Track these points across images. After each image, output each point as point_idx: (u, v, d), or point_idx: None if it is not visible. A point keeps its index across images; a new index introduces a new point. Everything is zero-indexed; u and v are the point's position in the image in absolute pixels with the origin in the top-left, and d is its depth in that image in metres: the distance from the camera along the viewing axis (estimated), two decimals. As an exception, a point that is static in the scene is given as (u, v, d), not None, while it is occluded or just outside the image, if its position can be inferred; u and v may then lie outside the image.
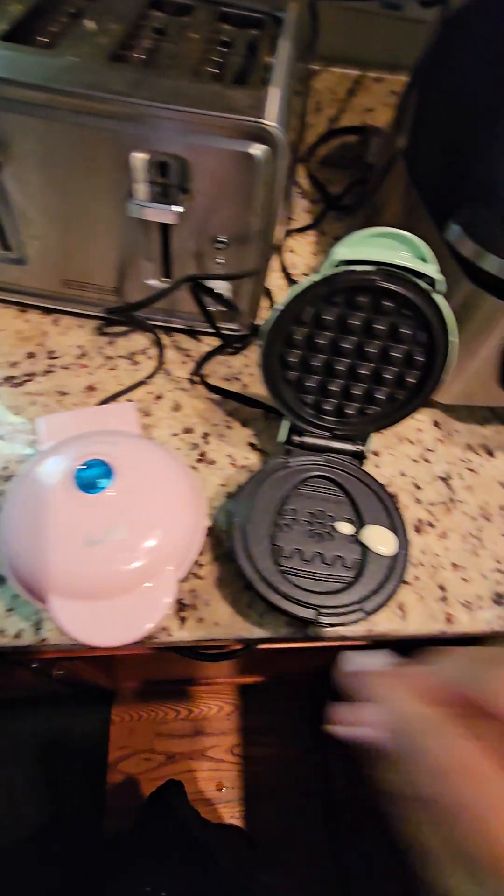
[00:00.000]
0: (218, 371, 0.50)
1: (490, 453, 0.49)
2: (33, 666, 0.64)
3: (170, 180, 0.37)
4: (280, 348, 0.36)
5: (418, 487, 0.45)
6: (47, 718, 1.16)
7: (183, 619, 0.37)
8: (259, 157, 0.35)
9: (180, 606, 0.37)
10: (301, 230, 0.63)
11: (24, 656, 0.56)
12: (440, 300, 0.32)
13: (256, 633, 0.37)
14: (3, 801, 1.06)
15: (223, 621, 0.37)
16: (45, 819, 1.06)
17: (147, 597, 0.31)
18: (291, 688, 1.27)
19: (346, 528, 0.38)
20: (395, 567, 0.36)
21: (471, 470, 0.47)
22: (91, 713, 1.20)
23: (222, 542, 0.40)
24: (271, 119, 0.35)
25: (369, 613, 0.34)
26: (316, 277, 0.32)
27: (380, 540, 0.37)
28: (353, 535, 0.37)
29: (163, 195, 0.38)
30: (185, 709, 1.25)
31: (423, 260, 0.32)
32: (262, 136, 0.35)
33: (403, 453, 0.47)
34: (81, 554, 0.31)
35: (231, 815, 1.16)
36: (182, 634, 0.37)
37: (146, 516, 0.33)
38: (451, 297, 0.41)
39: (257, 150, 0.35)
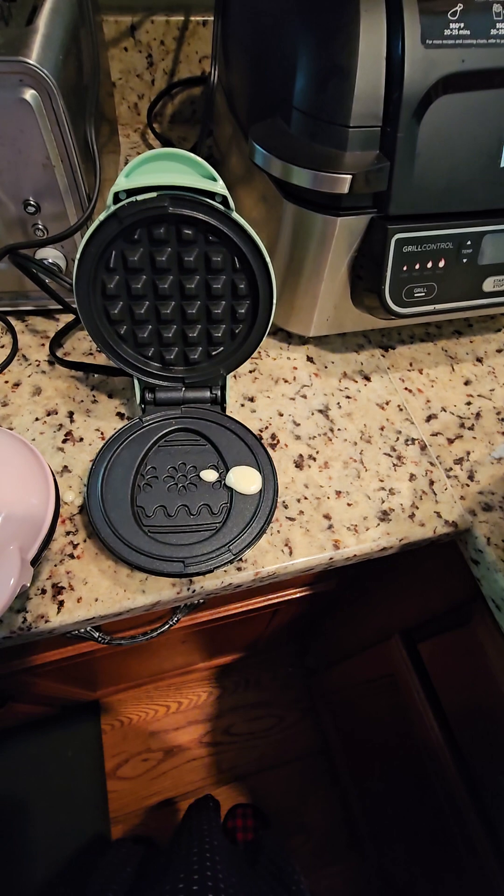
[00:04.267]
0: (80, 347, 0.48)
1: (367, 378, 0.48)
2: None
3: None
4: (99, 302, 0.34)
5: (297, 424, 0.45)
6: (36, 743, 1.14)
7: (60, 603, 0.35)
8: (32, 102, 0.33)
9: (56, 590, 0.36)
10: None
11: None
12: (238, 218, 0.31)
13: (140, 600, 0.36)
14: (7, 841, 1.04)
15: (103, 596, 0.36)
16: (54, 848, 1.05)
17: (-10, 584, 0.29)
18: (275, 656, 1.28)
19: (211, 475, 0.36)
20: (262, 503, 0.35)
21: (349, 397, 0.47)
22: (79, 728, 1.18)
23: (95, 518, 0.38)
24: (35, 58, 0.32)
25: (237, 553, 0.33)
26: (102, 216, 0.30)
27: (245, 480, 0.36)
28: (218, 481, 0.36)
29: None
30: (175, 702, 1.24)
31: (211, 178, 0.30)
32: (30, 78, 0.32)
33: (279, 393, 0.46)
34: None
35: (240, 792, 1.16)
36: (61, 618, 0.35)
37: (-22, 502, 0.30)
38: (281, 223, 0.40)
39: (28, 94, 0.33)
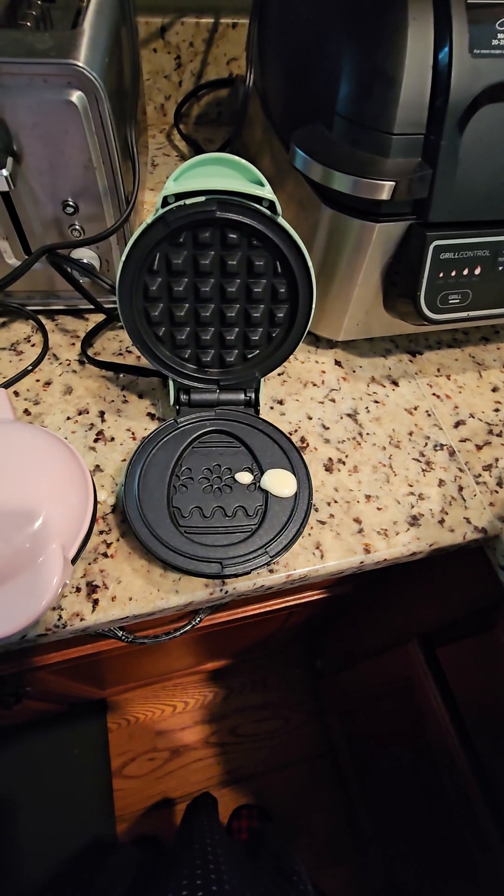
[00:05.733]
0: (109, 347, 0.48)
1: (395, 383, 0.48)
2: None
3: (-8, 144, 0.35)
4: (140, 303, 0.34)
5: (326, 428, 0.45)
6: (44, 741, 1.15)
7: (95, 602, 0.35)
8: (78, 104, 0.33)
9: (91, 589, 0.36)
10: (182, 192, 0.60)
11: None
12: (284, 223, 0.31)
13: (173, 600, 0.36)
14: (15, 837, 1.04)
15: (137, 595, 0.36)
16: (60, 845, 1.05)
17: (33, 580, 0.30)
18: (282, 658, 1.28)
19: (245, 477, 0.37)
20: (297, 506, 0.35)
21: (377, 402, 0.47)
22: (86, 726, 1.18)
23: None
24: (83, 60, 0.32)
25: (273, 556, 0.33)
26: (150, 219, 0.30)
27: (280, 483, 0.36)
28: (253, 484, 0.37)
29: (-10, 162, 0.36)
30: (181, 702, 1.24)
31: (259, 183, 0.30)
32: (77, 80, 0.33)
33: (308, 397, 0.47)
34: (-48, 550, 0.29)
35: (244, 793, 1.16)
36: (96, 617, 0.35)
37: (20, 500, 0.31)
38: (317, 227, 0.40)
39: (74, 96, 0.33)
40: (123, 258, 0.31)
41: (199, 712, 1.23)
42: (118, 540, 0.38)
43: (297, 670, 1.28)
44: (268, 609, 0.62)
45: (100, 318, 0.49)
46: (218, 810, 1.10)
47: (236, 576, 0.33)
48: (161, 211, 0.30)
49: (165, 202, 0.29)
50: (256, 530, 0.34)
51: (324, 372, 0.49)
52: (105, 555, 0.37)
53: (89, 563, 0.37)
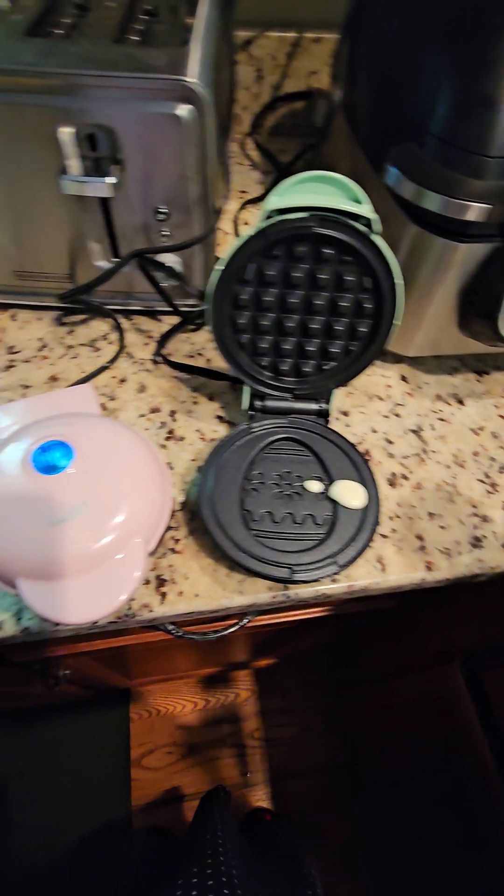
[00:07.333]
0: (181, 349, 0.50)
1: (461, 402, 0.48)
2: (35, 668, 0.64)
3: (100, 152, 0.37)
4: (228, 311, 0.35)
5: (390, 442, 0.45)
6: (69, 724, 1.18)
7: (163, 595, 0.37)
8: (185, 118, 0.35)
9: (159, 582, 0.37)
10: (254, 201, 0.62)
11: (22, 655, 0.56)
12: (379, 241, 0.32)
13: (237, 600, 0.37)
14: (33, 816, 1.07)
15: (203, 592, 0.37)
16: (75, 828, 1.08)
17: (116, 571, 0.31)
18: (304, 665, 1.28)
19: (315, 486, 0.37)
20: (367, 519, 0.36)
21: (442, 420, 0.47)
22: (110, 714, 1.21)
23: (197, 516, 0.40)
24: (192, 76, 0.34)
25: (343, 566, 0.34)
26: (251, 231, 0.31)
27: (350, 494, 0.37)
28: (322, 493, 0.37)
29: (95, 169, 0.37)
30: (203, 699, 1.25)
31: (357, 201, 0.31)
32: (184, 94, 0.34)
33: (374, 410, 0.47)
34: (45, 535, 0.30)
35: (258, 797, 1.17)
36: (163, 609, 0.36)
37: (109, 492, 0.32)
38: (399, 243, 0.40)
39: (182, 110, 0.34)
40: (223, 267, 0.32)
41: (219, 711, 1.24)
42: (186, 537, 0.39)
43: (319, 678, 1.28)
44: (310, 616, 0.62)
45: (174, 320, 0.51)
46: (230, 804, 1.10)
47: (305, 582, 0.34)
48: (262, 225, 0.31)
49: (268, 216, 0.30)
50: (325, 539, 0.35)
51: (389, 386, 0.49)
52: (173, 550, 0.38)
53: (159, 558, 0.38)
